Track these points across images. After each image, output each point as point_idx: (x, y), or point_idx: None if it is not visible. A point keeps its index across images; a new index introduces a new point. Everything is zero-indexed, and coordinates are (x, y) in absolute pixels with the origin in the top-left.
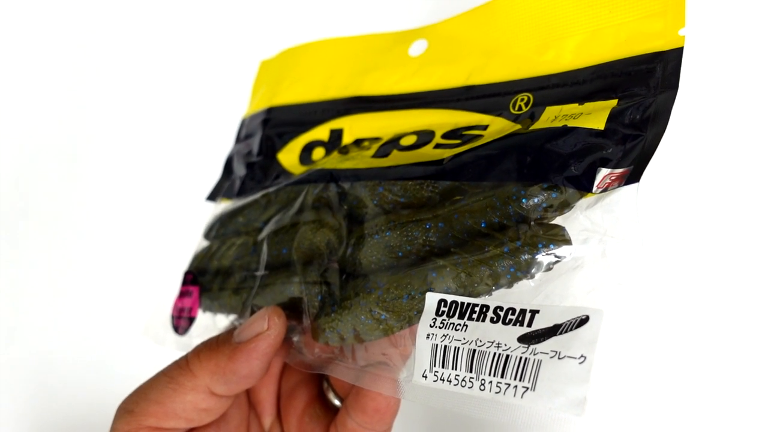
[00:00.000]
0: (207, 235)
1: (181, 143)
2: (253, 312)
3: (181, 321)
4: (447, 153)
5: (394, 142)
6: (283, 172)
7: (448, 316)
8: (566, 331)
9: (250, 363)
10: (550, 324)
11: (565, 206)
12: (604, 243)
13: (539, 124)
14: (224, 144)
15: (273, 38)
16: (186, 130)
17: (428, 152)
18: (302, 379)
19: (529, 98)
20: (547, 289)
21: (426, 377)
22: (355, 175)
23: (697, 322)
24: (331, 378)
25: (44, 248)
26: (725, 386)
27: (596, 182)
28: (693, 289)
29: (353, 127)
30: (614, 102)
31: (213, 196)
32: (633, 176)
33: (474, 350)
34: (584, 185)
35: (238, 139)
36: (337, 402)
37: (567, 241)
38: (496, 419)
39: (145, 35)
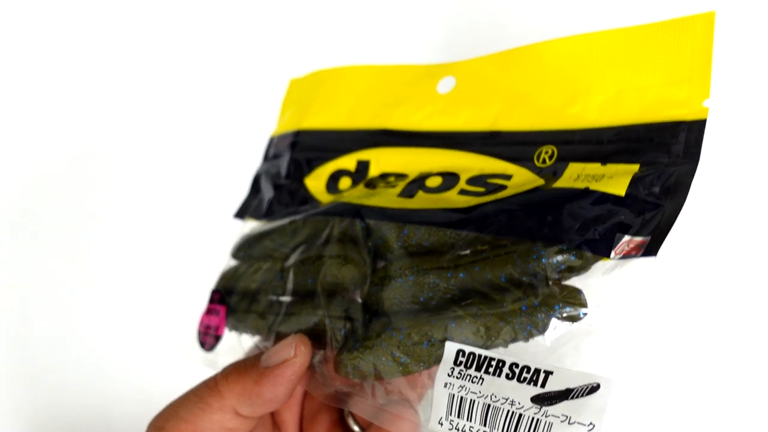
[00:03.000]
0: (235, 254)
1: (211, 158)
2: (277, 338)
3: (208, 338)
4: (471, 201)
5: (419, 182)
6: (310, 198)
7: (465, 366)
8: (578, 397)
9: (275, 388)
10: (563, 387)
11: (582, 269)
12: (618, 311)
13: (562, 182)
14: (253, 160)
15: (303, 57)
16: (217, 146)
17: (453, 198)
18: (325, 404)
19: (553, 152)
20: (560, 349)
21: (442, 424)
22: (381, 212)
23: (706, 391)
24: (352, 399)
25: (69, 259)
26: None
27: (614, 248)
28: (702, 357)
29: (380, 160)
30: (636, 167)
31: (241, 214)
32: (651, 247)
33: (489, 405)
34: (602, 250)
35: (266, 158)
36: (357, 429)
37: (583, 305)
38: None
39: (178, 51)
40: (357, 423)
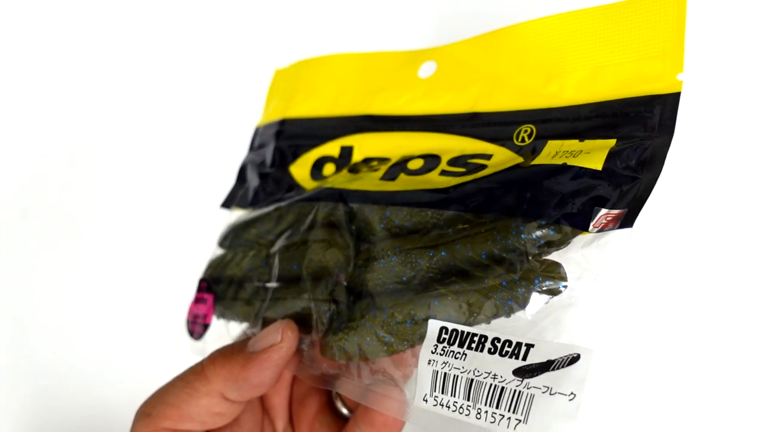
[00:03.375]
0: (221, 243)
1: (197, 150)
2: (264, 323)
3: (196, 326)
4: (452, 181)
5: (401, 165)
6: (295, 185)
7: (448, 343)
8: (558, 368)
9: (261, 372)
10: (544, 359)
11: (561, 243)
12: (597, 282)
13: (540, 159)
14: (239, 151)
15: (287, 47)
16: (204, 137)
17: (434, 179)
18: (313, 388)
19: (532, 130)
20: (542, 322)
21: (426, 401)
22: (364, 196)
23: (687, 360)
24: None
25: (58, 252)
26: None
27: (592, 222)
28: (683, 325)
29: (363, 145)
30: (613, 142)
31: (227, 204)
32: (627, 219)
33: (472, 379)
34: (581, 224)
35: (252, 148)
36: (345, 411)
37: (562, 278)
38: None
39: (162, 43)
40: (345, 405)
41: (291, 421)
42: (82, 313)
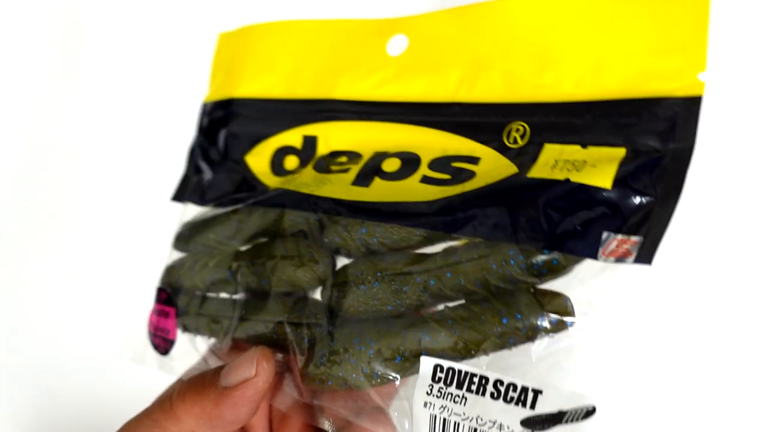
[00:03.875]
0: (176, 245)
1: (139, 128)
2: (233, 342)
3: (159, 340)
4: (436, 192)
5: (375, 166)
6: (254, 179)
7: (445, 384)
8: (572, 421)
9: (236, 410)
10: (555, 410)
11: (564, 272)
12: (606, 318)
13: (538, 170)
14: (185, 127)
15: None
16: (145, 113)
17: (414, 186)
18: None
19: (525, 129)
20: (547, 360)
21: None
22: (336, 205)
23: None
24: (324, 406)
25: (56, 252)
26: None
27: (601, 249)
28: (697, 373)
29: (329, 136)
30: (622, 152)
31: (179, 197)
32: (645, 252)
33: (476, 428)
34: (588, 252)
35: (200, 129)
36: (330, 429)
37: (569, 314)
38: None
39: (114, 17)
40: (330, 423)
41: None
42: (79, 313)
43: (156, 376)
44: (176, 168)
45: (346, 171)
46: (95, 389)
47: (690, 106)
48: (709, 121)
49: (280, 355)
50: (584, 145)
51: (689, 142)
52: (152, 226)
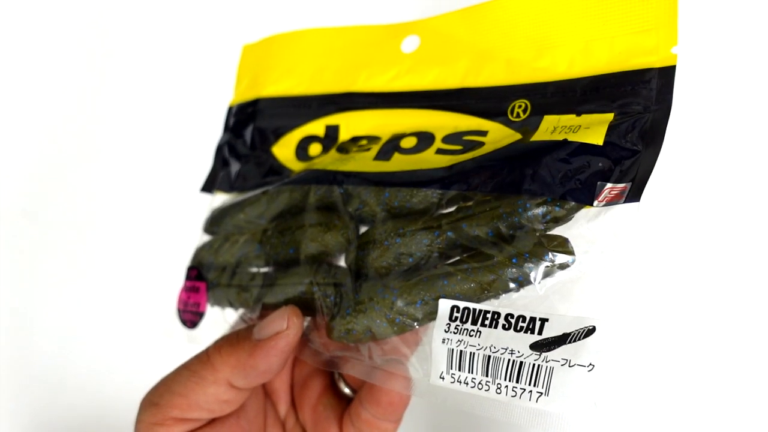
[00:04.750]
0: (207, 229)
1: (167, 132)
2: (263, 308)
3: (189, 315)
4: (450, 159)
5: (394, 143)
6: (280, 166)
7: (461, 321)
8: (575, 341)
9: (269, 359)
10: (560, 333)
11: (566, 218)
12: (604, 255)
13: (539, 135)
14: (212, 131)
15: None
16: (180, 121)
17: (430, 158)
18: (315, 369)
19: (526, 105)
20: (552, 297)
21: (443, 378)
22: (359, 177)
23: (696, 330)
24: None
25: (58, 248)
26: (724, 390)
27: (596, 196)
28: (690, 298)
29: (350, 123)
30: (611, 116)
31: (207, 188)
32: (633, 193)
33: (489, 356)
34: (585, 199)
35: (227, 128)
36: (348, 391)
37: (570, 253)
38: (507, 420)
39: (138, 28)
40: (348, 385)
41: (293, 404)
42: (82, 308)
43: (159, 368)
44: (194, 161)
45: (367, 150)
46: (100, 389)
47: (666, 75)
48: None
49: (308, 319)
50: (578, 114)
51: (667, 104)
52: (167, 217)
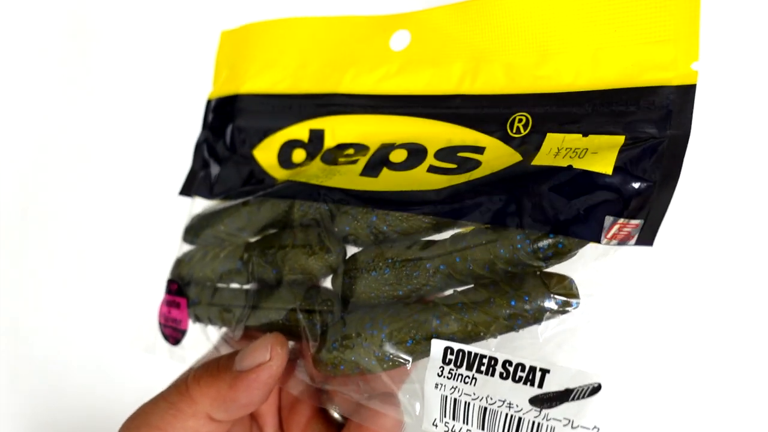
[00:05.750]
0: (186, 237)
1: (156, 130)
2: (246, 330)
3: (170, 330)
4: (443, 181)
5: (383, 157)
6: (261, 171)
7: (455, 365)
8: (578, 398)
9: (250, 392)
10: (562, 388)
11: (570, 255)
12: (611, 300)
13: (541, 158)
14: (190, 122)
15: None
16: (162, 116)
17: (421, 176)
18: None
19: (527, 119)
20: (553, 340)
21: (436, 426)
22: (346, 195)
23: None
24: (333, 392)
25: (57, 252)
26: None
27: (604, 233)
28: (704, 351)
29: (335, 129)
30: (621, 139)
31: (186, 191)
32: (646, 234)
33: (485, 408)
34: (591, 235)
35: (206, 124)
36: (338, 416)
37: (574, 296)
38: None
39: (119, 18)
40: (338, 411)
41: (281, 427)
42: (80, 314)
43: (157, 376)
44: (179, 163)
45: (354, 162)
46: (97, 389)
47: (684, 95)
48: (704, 108)
49: (291, 343)
50: (585, 134)
51: (685, 129)
52: (155, 221)
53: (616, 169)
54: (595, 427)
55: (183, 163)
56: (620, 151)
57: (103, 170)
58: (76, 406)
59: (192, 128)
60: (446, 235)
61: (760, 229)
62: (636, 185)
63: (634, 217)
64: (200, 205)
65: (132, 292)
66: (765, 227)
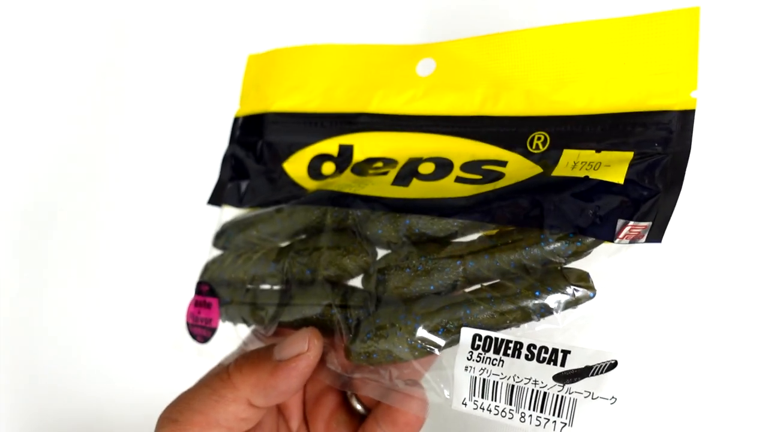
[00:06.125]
0: (216, 243)
1: (183, 142)
2: (279, 326)
3: (200, 329)
4: (470, 189)
5: (412, 168)
6: (292, 183)
7: (483, 350)
8: (597, 374)
9: (289, 380)
10: (582, 365)
11: (586, 253)
12: (624, 291)
13: (560, 170)
14: (216, 139)
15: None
16: (189, 130)
17: (449, 186)
18: (327, 386)
19: (545, 137)
20: (573, 327)
21: (466, 405)
22: (380, 203)
23: (718, 364)
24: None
25: (62, 252)
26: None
27: (617, 233)
28: (706, 333)
29: (364, 144)
30: (630, 155)
31: (215, 200)
32: (654, 233)
33: (513, 385)
34: (605, 236)
35: (233, 139)
36: (361, 409)
37: (591, 288)
38: None
39: (148, 36)
40: (361, 403)
41: (305, 419)
42: (86, 315)
43: (157, 376)
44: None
45: (384, 174)
46: (105, 393)
47: (685, 118)
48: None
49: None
50: (598, 150)
51: (686, 146)
52: (173, 229)
53: (627, 179)
54: (613, 397)
55: (205, 169)
56: (630, 165)
57: (119, 179)
58: (76, 407)
59: (206, 144)
60: (474, 237)
61: (761, 229)
62: (644, 193)
63: (643, 220)
64: (229, 213)
65: (139, 297)
66: (765, 227)
